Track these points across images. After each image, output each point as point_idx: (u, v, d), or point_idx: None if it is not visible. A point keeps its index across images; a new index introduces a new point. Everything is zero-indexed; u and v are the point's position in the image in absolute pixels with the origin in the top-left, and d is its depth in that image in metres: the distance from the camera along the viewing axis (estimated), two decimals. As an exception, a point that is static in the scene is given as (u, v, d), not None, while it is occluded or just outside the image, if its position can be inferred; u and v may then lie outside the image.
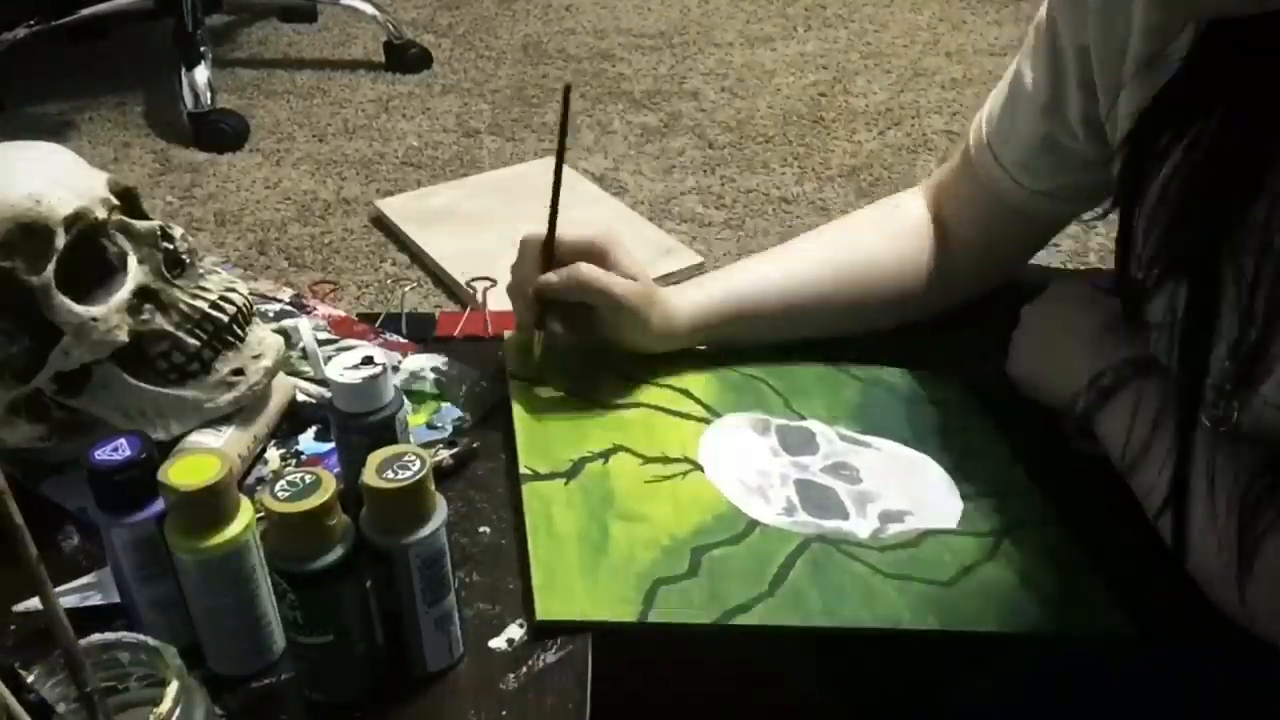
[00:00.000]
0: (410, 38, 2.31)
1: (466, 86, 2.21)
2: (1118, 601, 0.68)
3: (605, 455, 0.76)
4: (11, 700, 0.47)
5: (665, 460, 0.76)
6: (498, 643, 0.65)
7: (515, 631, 0.66)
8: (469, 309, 0.94)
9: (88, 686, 0.47)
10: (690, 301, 0.83)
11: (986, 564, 0.72)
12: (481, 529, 0.73)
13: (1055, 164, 0.80)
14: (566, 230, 0.80)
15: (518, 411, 0.79)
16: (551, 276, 0.79)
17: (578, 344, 0.84)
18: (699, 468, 0.76)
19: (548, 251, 0.80)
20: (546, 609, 0.65)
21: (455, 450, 0.77)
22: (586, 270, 0.78)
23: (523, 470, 0.74)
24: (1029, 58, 0.79)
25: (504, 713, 0.61)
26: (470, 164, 1.93)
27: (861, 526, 0.74)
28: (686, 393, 0.83)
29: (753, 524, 0.73)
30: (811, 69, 2.27)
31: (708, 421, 0.81)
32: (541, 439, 0.77)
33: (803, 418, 0.83)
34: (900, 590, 0.69)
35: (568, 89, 0.80)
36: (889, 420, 0.84)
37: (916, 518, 0.75)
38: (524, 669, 0.63)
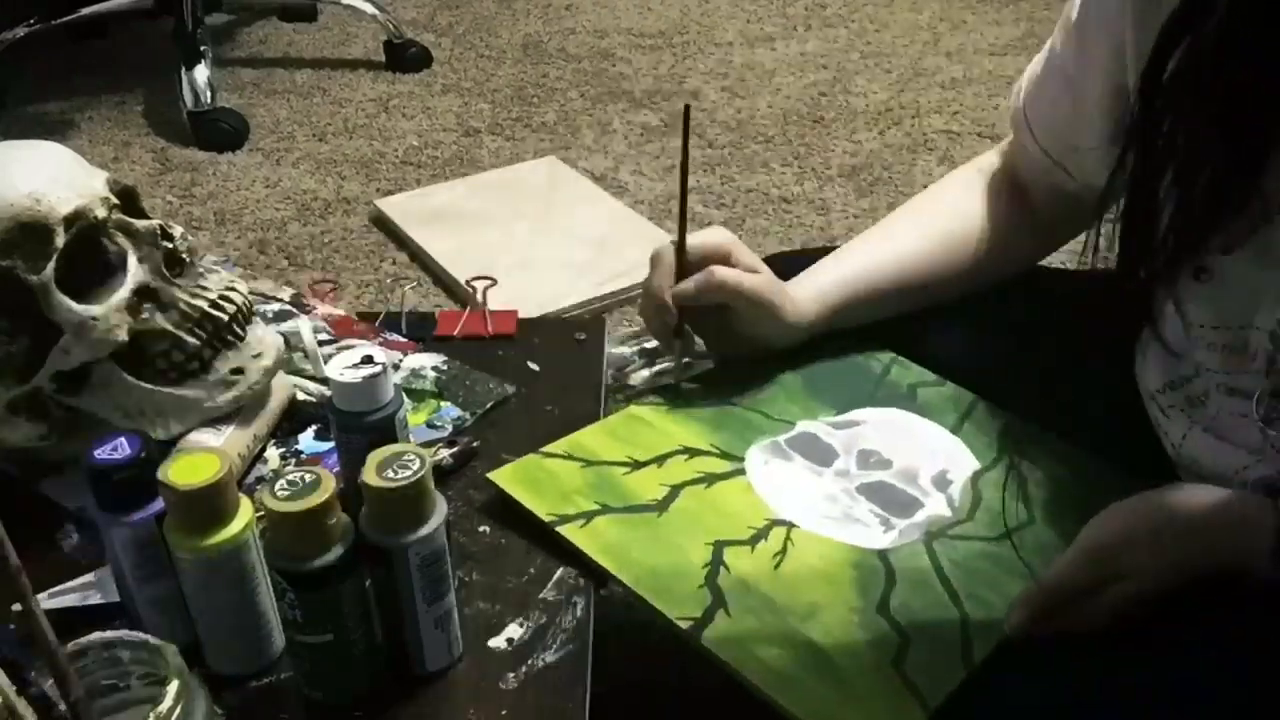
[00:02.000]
0: (410, 37, 2.30)
1: (466, 86, 2.21)
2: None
3: (718, 561, 0.71)
4: (13, 694, 0.47)
5: (763, 533, 0.73)
6: (497, 642, 0.65)
7: (515, 631, 0.66)
8: (469, 308, 0.94)
9: (71, 696, 0.47)
10: (813, 287, 0.85)
11: (1027, 484, 0.78)
12: (481, 528, 0.73)
13: (1073, 138, 0.79)
14: (690, 239, 0.81)
15: (609, 561, 0.70)
16: (688, 284, 0.80)
17: (711, 350, 0.87)
18: (791, 524, 0.74)
19: (680, 261, 0.81)
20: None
21: (455, 449, 0.77)
22: (720, 271, 0.80)
23: (682, 624, 0.66)
24: (1060, 30, 0.79)
25: (503, 712, 0.61)
26: (470, 163, 1.93)
27: (938, 504, 0.77)
28: (691, 451, 0.80)
29: (884, 554, 0.73)
30: (811, 69, 2.27)
31: (740, 471, 0.78)
32: (656, 579, 0.69)
33: (791, 424, 0.83)
34: (1023, 554, 0.72)
35: (688, 109, 0.81)
36: (842, 392, 0.86)
37: (953, 470, 0.80)
38: (524, 668, 0.63)
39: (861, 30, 2.44)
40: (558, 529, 0.72)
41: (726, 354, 0.87)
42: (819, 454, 0.81)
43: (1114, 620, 0.63)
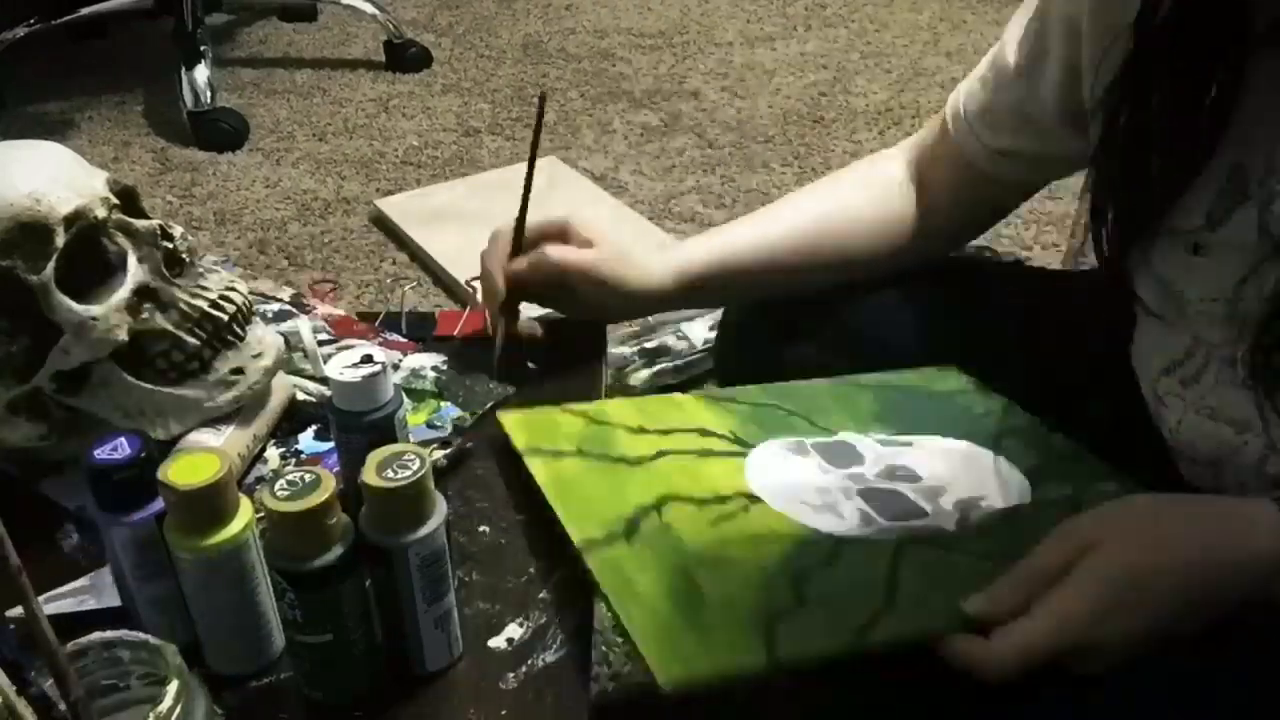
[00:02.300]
0: (410, 37, 2.30)
1: (466, 86, 2.21)
2: None
3: (656, 508, 0.68)
4: (13, 694, 0.47)
5: (721, 499, 0.70)
6: (497, 642, 0.65)
7: (515, 631, 0.66)
8: (469, 308, 0.94)
9: (71, 696, 0.47)
10: (671, 259, 0.86)
11: None
12: (481, 528, 0.73)
13: (1019, 127, 0.81)
14: (530, 219, 0.84)
15: (546, 484, 0.70)
16: (520, 262, 0.83)
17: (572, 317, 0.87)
18: (757, 499, 0.70)
19: (517, 242, 0.84)
20: (669, 675, 0.55)
21: (449, 450, 0.77)
22: (550, 250, 0.83)
23: (579, 543, 0.64)
24: (1014, 25, 0.81)
25: (503, 712, 0.61)
26: (470, 163, 1.93)
27: (945, 519, 0.69)
28: (706, 431, 0.78)
29: (838, 541, 0.67)
30: (811, 69, 2.27)
31: (742, 455, 0.75)
32: (582, 507, 0.68)
33: (833, 432, 0.78)
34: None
35: (543, 98, 0.85)
36: (915, 418, 0.81)
37: (991, 499, 0.71)
38: (524, 668, 0.63)
39: (861, 30, 2.44)
40: (526, 456, 0.72)
41: (588, 319, 0.90)
42: (841, 458, 0.76)
43: (1086, 602, 0.56)
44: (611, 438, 0.76)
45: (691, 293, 0.87)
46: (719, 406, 0.81)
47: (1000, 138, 0.83)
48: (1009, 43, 0.81)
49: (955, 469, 0.75)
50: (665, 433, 0.77)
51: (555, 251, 0.83)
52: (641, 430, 0.77)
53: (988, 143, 0.84)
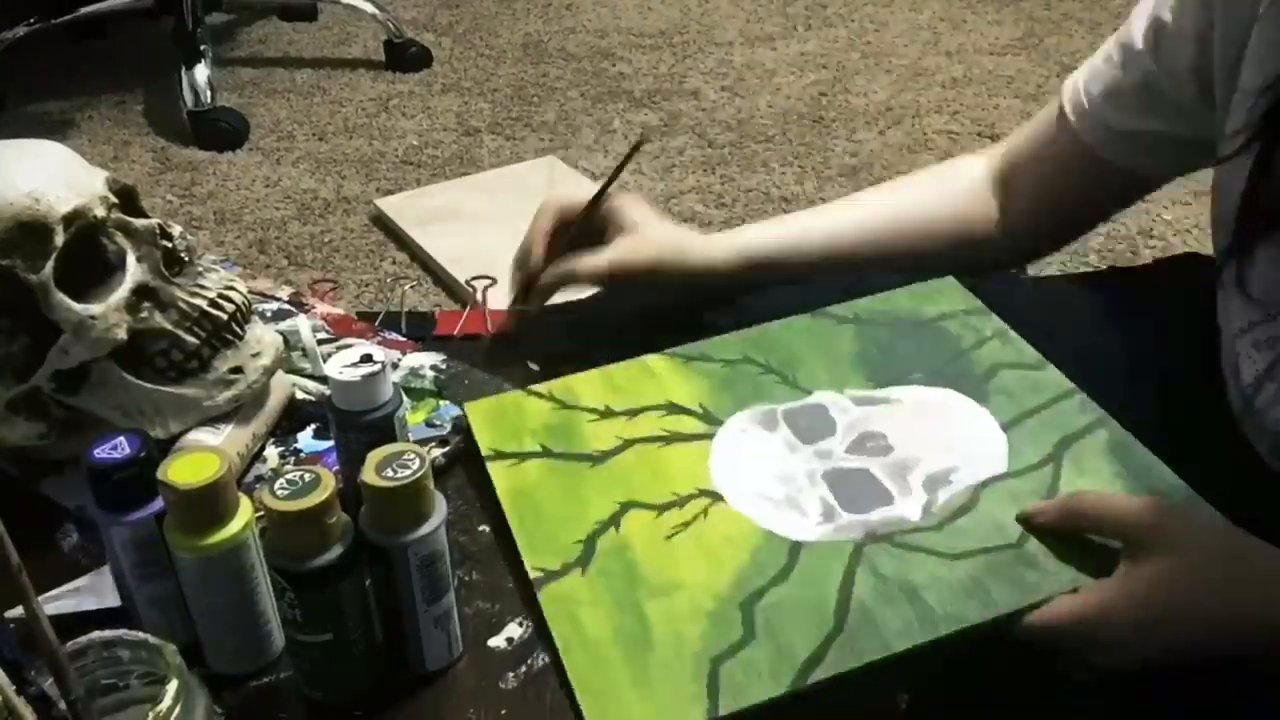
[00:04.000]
0: (410, 36, 2.30)
1: (466, 85, 2.21)
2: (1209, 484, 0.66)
3: (614, 521, 0.69)
4: (12, 694, 0.47)
5: (681, 501, 0.70)
6: (497, 641, 0.65)
7: (515, 630, 0.66)
8: (468, 308, 0.94)
9: (71, 695, 0.47)
10: (736, 240, 0.87)
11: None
12: (481, 528, 0.73)
13: (1148, 106, 0.78)
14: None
15: (506, 499, 0.71)
16: (543, 277, 0.85)
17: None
18: (718, 497, 0.70)
19: (567, 233, 0.86)
20: None
21: (447, 449, 0.77)
22: (567, 270, 0.84)
23: (532, 574, 0.66)
24: (1141, 5, 0.79)
25: (503, 711, 0.61)
26: (470, 163, 1.92)
27: (909, 506, 0.69)
28: (673, 406, 0.77)
29: (795, 547, 0.67)
30: (811, 68, 2.26)
31: (710, 435, 0.75)
32: (541, 527, 0.69)
33: (809, 392, 0.78)
34: (972, 573, 0.64)
35: (640, 142, 0.91)
36: (896, 360, 0.80)
37: (963, 471, 0.71)
38: (523, 668, 0.63)
39: (861, 30, 2.44)
40: (488, 462, 0.73)
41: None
42: (812, 429, 0.75)
43: (1137, 608, 0.58)
44: (576, 427, 0.76)
45: (753, 275, 0.87)
46: (692, 369, 0.80)
47: (1128, 118, 0.80)
48: (1136, 19, 0.79)
49: (931, 430, 0.75)
50: (633, 414, 0.77)
51: (583, 265, 0.84)
52: (608, 412, 0.77)
53: (1114, 125, 0.80)
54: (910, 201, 0.90)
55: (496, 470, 0.73)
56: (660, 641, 0.62)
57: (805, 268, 0.87)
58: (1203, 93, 0.74)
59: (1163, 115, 0.78)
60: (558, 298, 0.89)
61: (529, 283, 0.87)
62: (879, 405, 0.77)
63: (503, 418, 0.77)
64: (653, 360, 0.81)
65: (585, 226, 0.87)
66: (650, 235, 0.86)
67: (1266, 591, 0.58)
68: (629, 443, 0.75)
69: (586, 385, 0.79)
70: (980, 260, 0.89)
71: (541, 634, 0.65)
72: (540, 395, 0.79)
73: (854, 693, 0.61)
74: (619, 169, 0.87)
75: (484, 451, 0.74)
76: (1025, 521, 0.66)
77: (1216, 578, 0.59)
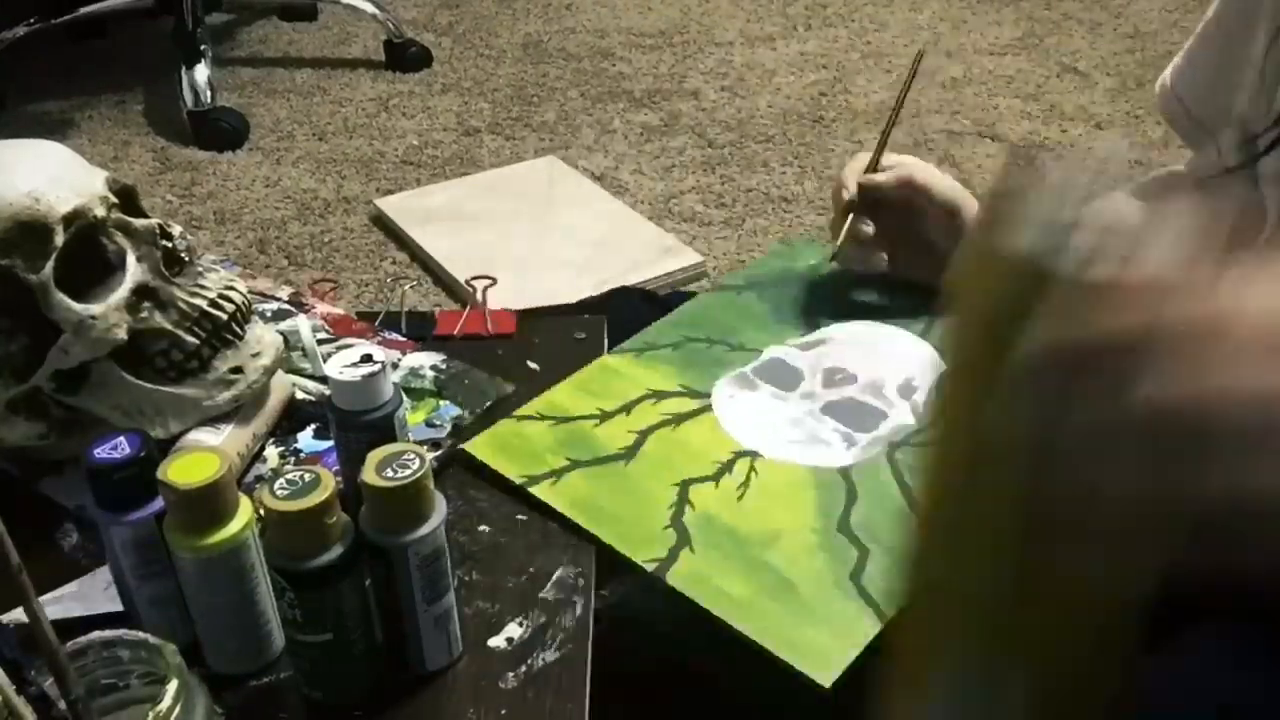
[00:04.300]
0: (410, 36, 2.30)
1: (466, 85, 2.21)
2: None
3: (683, 500, 0.74)
4: (12, 693, 0.47)
5: (727, 466, 0.76)
6: (497, 641, 0.65)
7: (515, 630, 0.66)
8: (468, 307, 0.94)
9: (71, 695, 0.47)
10: None
11: None
12: (481, 528, 0.73)
13: (1226, 92, 0.77)
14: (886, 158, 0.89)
15: (576, 514, 0.73)
16: (880, 175, 0.86)
17: (894, 270, 0.91)
18: (755, 454, 0.78)
19: (875, 159, 0.88)
20: (822, 673, 0.63)
21: (439, 453, 0.77)
22: (913, 166, 0.86)
23: (650, 567, 0.69)
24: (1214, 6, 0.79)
25: (503, 711, 0.61)
26: (470, 163, 1.92)
27: (901, 413, 0.80)
28: (659, 393, 0.83)
29: (845, 471, 0.76)
30: (811, 68, 2.26)
31: (706, 408, 0.82)
32: (623, 526, 0.72)
33: (759, 352, 0.86)
34: None
35: (920, 56, 0.90)
36: (805, 308, 0.90)
37: (919, 377, 0.82)
38: (523, 668, 0.63)
39: (861, 30, 2.44)
40: (530, 489, 0.75)
41: (901, 275, 0.90)
42: (785, 378, 0.84)
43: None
44: (586, 436, 0.79)
45: None
46: (645, 361, 0.87)
47: (1206, 106, 0.80)
48: (1211, 14, 0.79)
49: (872, 355, 0.86)
50: (626, 410, 0.82)
51: (919, 170, 0.85)
52: (604, 415, 0.81)
53: (1195, 111, 0.81)
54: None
55: (543, 491, 0.75)
56: (797, 580, 0.68)
57: None
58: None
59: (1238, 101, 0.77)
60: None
61: (849, 209, 0.88)
62: (819, 346, 0.87)
63: (511, 447, 0.78)
64: (609, 360, 0.87)
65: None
66: (960, 193, 0.87)
67: None
68: (643, 434, 0.79)
69: (564, 396, 0.83)
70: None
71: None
72: (531, 417, 0.81)
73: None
74: (904, 91, 0.89)
75: (517, 481, 0.75)
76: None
77: None
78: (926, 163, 0.88)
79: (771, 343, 0.87)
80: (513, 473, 0.76)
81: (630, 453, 0.78)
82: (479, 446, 0.78)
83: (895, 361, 0.85)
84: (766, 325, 0.89)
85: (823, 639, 0.65)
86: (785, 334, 0.88)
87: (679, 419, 0.80)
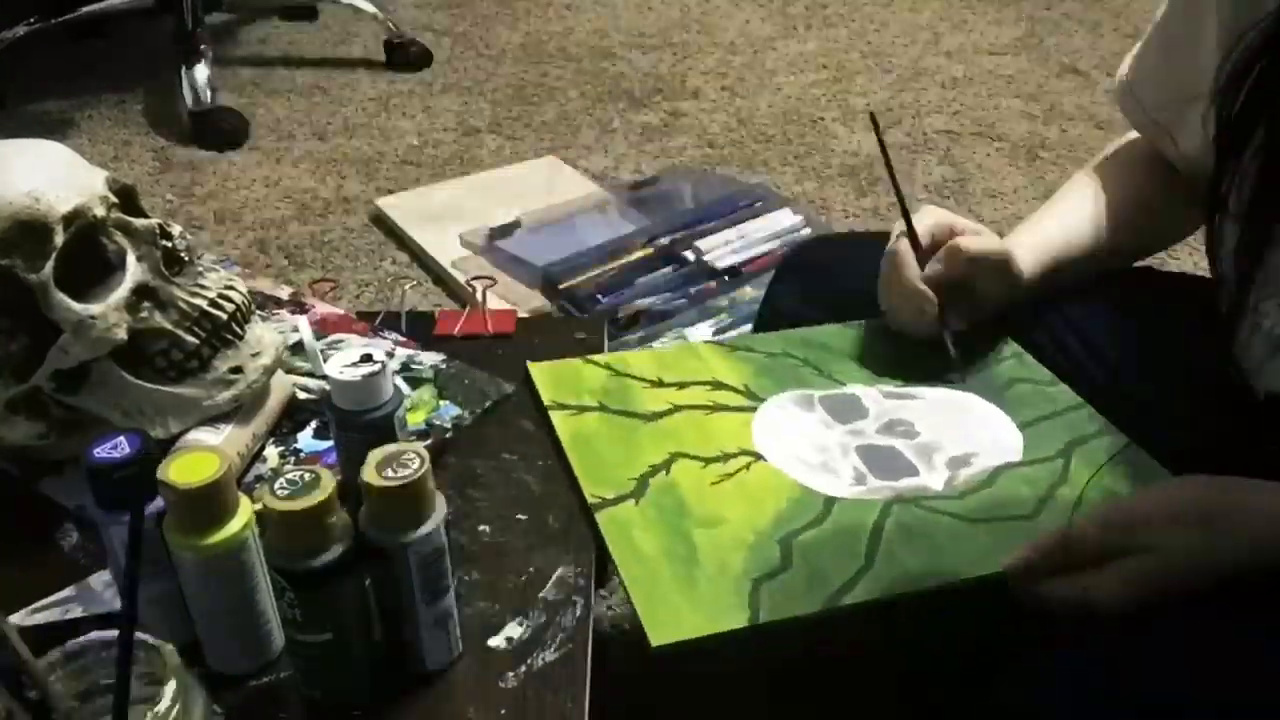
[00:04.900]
0: (410, 36, 2.30)
1: (467, 85, 2.21)
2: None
3: (665, 466, 0.75)
4: (10, 698, 0.47)
5: (725, 457, 0.76)
6: (497, 641, 0.65)
7: (515, 630, 0.66)
8: (468, 308, 0.94)
9: (53, 713, 0.47)
10: (1026, 245, 0.85)
11: (1062, 487, 0.74)
12: (481, 528, 0.73)
13: (1178, 94, 0.78)
14: (916, 225, 0.83)
15: (567, 441, 0.77)
16: (936, 265, 0.82)
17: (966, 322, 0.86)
18: (759, 457, 0.77)
19: (916, 249, 0.82)
20: (658, 634, 0.63)
21: (427, 443, 0.76)
22: (962, 242, 0.81)
23: (590, 500, 0.73)
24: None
25: (503, 711, 0.61)
26: (470, 162, 1.92)
27: (934, 479, 0.75)
28: (719, 384, 0.84)
29: (830, 501, 0.73)
30: (811, 69, 2.27)
31: (751, 409, 0.81)
32: (597, 464, 0.76)
33: (843, 384, 0.84)
34: (991, 533, 0.70)
35: (874, 119, 0.86)
36: (925, 366, 0.84)
37: (983, 457, 0.77)
38: (523, 668, 0.63)
39: (861, 30, 2.44)
40: (550, 411, 0.80)
41: (968, 317, 0.86)
42: (846, 412, 0.81)
43: (1124, 594, 0.60)
44: (630, 391, 0.83)
45: (1042, 280, 0.85)
46: (735, 357, 0.87)
47: (1164, 109, 0.81)
48: (1174, 6, 0.79)
49: (953, 423, 0.81)
50: (681, 385, 0.83)
51: (966, 243, 0.81)
52: (660, 383, 0.83)
53: (1151, 113, 0.82)
54: (1124, 195, 0.89)
55: (558, 418, 0.79)
56: (706, 562, 0.68)
57: (1072, 265, 0.85)
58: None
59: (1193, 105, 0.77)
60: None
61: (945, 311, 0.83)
62: (906, 400, 0.83)
63: (562, 378, 0.83)
64: (699, 346, 0.89)
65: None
66: (985, 233, 0.84)
67: (1237, 532, 0.61)
68: (678, 407, 0.81)
69: (638, 360, 0.87)
70: (1168, 239, 0.91)
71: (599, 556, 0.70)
72: (597, 364, 0.85)
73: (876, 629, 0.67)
74: (886, 154, 0.87)
75: (546, 402, 0.81)
76: (1015, 575, 0.66)
77: (1191, 558, 0.61)
78: (948, 215, 0.85)
79: (861, 382, 0.84)
80: (547, 396, 0.81)
81: (654, 417, 0.80)
82: (538, 367, 0.84)
83: (970, 436, 0.79)
84: (869, 366, 0.85)
85: (683, 611, 0.64)
86: (882, 379, 0.84)
87: (718, 408, 0.81)
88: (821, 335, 0.89)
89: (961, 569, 0.67)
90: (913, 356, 0.85)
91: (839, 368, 0.85)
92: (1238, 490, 0.62)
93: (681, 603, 0.65)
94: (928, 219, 0.84)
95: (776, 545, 0.69)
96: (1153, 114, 0.83)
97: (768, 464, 0.76)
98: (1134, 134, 0.90)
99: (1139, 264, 0.92)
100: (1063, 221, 0.88)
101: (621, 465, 0.75)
